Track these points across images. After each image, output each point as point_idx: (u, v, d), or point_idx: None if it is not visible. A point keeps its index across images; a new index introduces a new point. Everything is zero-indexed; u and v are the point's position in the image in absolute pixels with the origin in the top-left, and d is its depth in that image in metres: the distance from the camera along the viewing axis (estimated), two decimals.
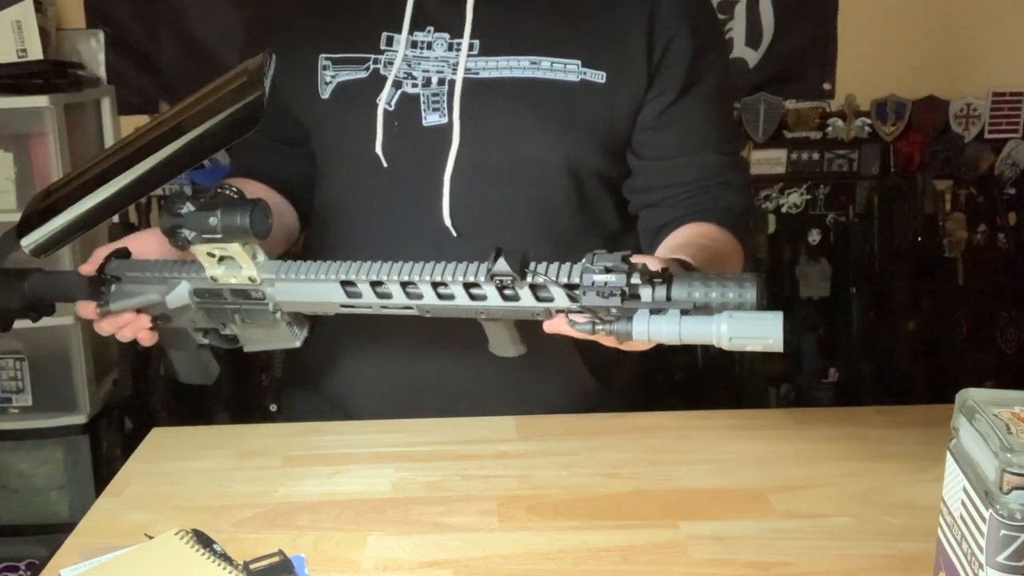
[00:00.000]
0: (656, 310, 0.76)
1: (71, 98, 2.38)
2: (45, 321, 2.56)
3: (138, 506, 0.93)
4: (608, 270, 0.76)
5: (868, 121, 2.73)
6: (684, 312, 0.75)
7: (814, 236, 2.73)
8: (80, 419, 2.41)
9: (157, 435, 1.11)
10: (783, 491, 0.94)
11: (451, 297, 0.83)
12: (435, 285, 0.83)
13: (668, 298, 0.76)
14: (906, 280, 2.68)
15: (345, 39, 1.10)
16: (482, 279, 0.81)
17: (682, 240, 1.05)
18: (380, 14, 1.10)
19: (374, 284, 0.85)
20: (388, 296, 0.85)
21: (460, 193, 1.07)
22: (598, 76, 1.06)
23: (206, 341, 1.00)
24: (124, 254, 0.98)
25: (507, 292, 0.81)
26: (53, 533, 2.16)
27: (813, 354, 2.70)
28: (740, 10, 2.65)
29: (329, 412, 1.18)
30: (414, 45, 1.08)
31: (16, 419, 2.39)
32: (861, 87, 2.71)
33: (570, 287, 0.79)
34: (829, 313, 2.73)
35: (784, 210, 2.76)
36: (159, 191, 2.55)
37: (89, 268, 0.97)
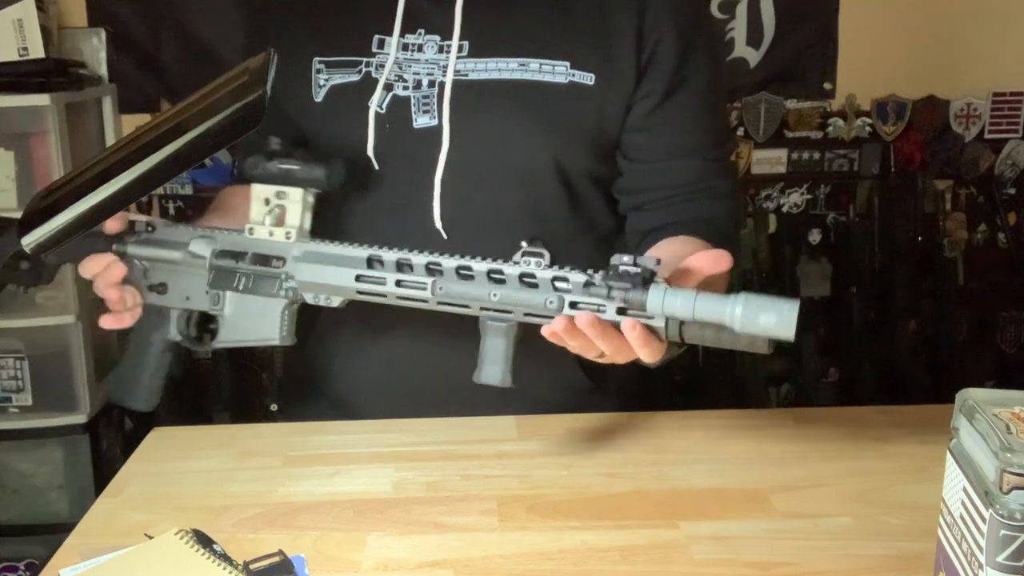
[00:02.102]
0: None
1: (72, 97, 2.39)
2: (45, 321, 2.54)
3: (138, 506, 0.93)
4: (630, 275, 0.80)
5: (868, 121, 2.73)
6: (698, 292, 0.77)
7: (814, 236, 2.74)
8: (80, 419, 2.41)
9: (157, 435, 1.11)
10: (783, 491, 0.94)
11: (471, 275, 0.85)
12: (459, 268, 0.86)
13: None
14: (906, 280, 2.68)
15: (338, 42, 1.11)
16: (505, 264, 0.84)
17: (665, 260, 1.05)
18: (372, 16, 1.10)
19: (400, 263, 0.88)
20: (409, 267, 0.87)
21: (450, 195, 1.07)
22: (587, 78, 1.06)
23: (179, 337, 1.00)
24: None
25: (527, 280, 0.84)
26: (53, 533, 2.15)
27: (813, 354, 2.70)
28: (741, 10, 2.65)
29: (330, 411, 1.18)
30: (405, 47, 1.09)
31: (16, 419, 2.39)
32: (861, 87, 2.71)
33: (589, 282, 0.82)
34: (829, 313, 2.73)
35: (785, 210, 2.76)
36: (159, 190, 2.56)
37: (115, 226, 0.98)
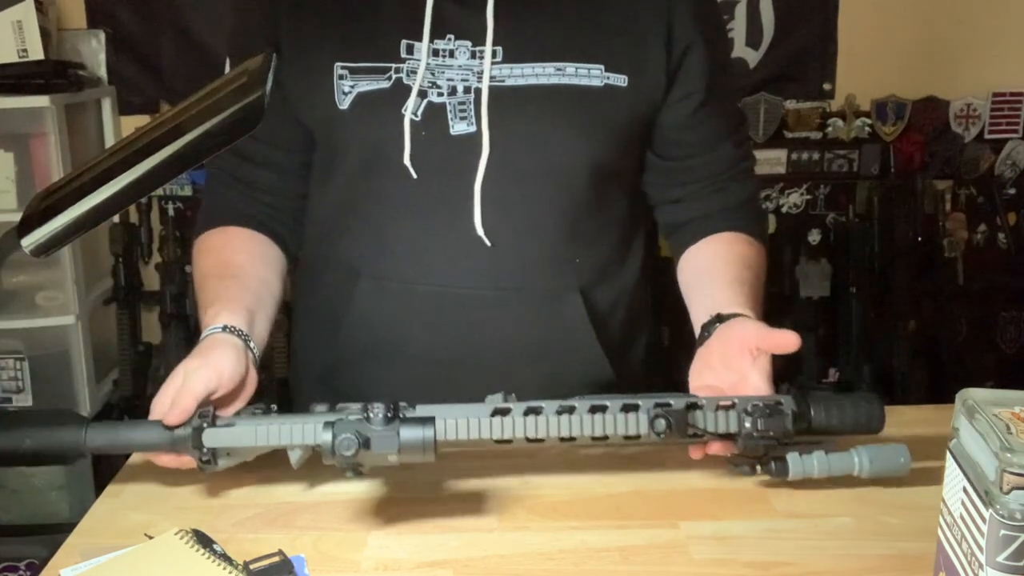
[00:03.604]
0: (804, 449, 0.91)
1: (72, 98, 2.39)
2: (45, 321, 2.53)
3: (138, 506, 0.93)
4: (764, 420, 0.88)
5: (868, 121, 2.73)
6: (827, 452, 0.91)
7: (814, 236, 2.74)
8: None
9: None
10: (783, 491, 0.94)
11: (606, 437, 0.89)
12: (595, 438, 0.89)
13: (810, 425, 0.90)
14: (906, 280, 2.68)
15: (363, 48, 1.08)
16: (643, 431, 0.88)
17: (721, 279, 1.10)
18: (398, 22, 1.08)
19: (530, 440, 0.89)
20: (542, 441, 0.89)
21: (491, 201, 1.07)
22: (620, 80, 1.07)
23: None
24: (206, 376, 0.91)
25: (659, 433, 0.88)
26: (53, 533, 2.16)
27: (813, 354, 2.69)
28: (740, 10, 2.66)
29: None
30: (436, 53, 1.07)
31: None
32: (861, 87, 2.71)
33: (727, 435, 0.89)
34: (829, 313, 2.73)
35: (784, 210, 2.76)
36: (159, 191, 2.56)
37: (176, 419, 0.88)
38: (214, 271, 1.11)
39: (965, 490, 0.67)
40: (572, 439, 0.88)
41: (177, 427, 0.88)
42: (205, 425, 0.87)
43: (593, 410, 0.87)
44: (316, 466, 1.01)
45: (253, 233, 1.17)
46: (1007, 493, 0.62)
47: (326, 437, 0.81)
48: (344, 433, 0.80)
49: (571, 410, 0.87)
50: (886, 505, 0.91)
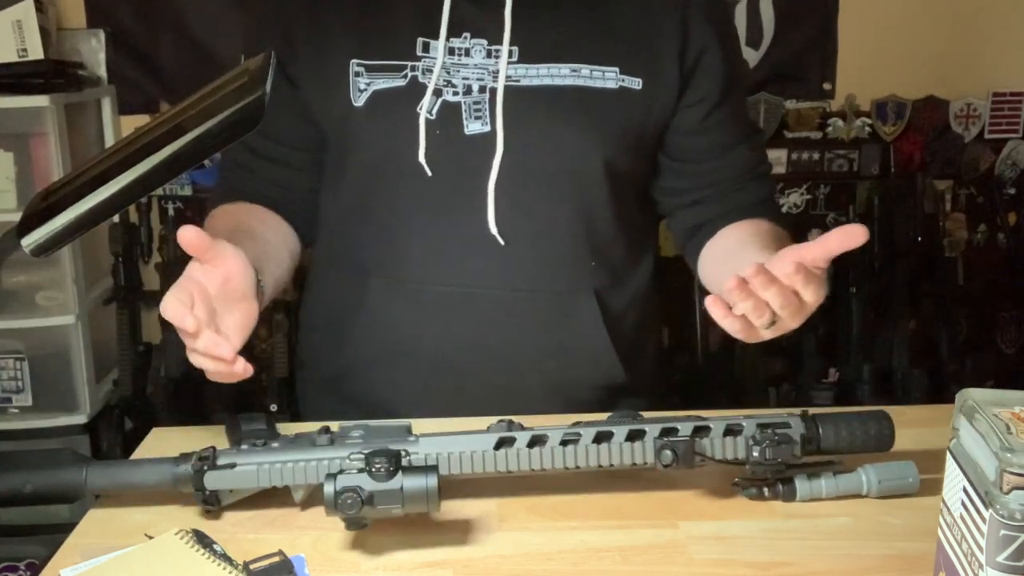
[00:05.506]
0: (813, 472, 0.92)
1: (71, 98, 2.39)
2: (45, 321, 2.53)
3: (138, 506, 0.93)
4: (772, 449, 0.88)
5: (868, 121, 2.73)
6: (835, 473, 0.91)
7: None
8: (80, 419, 2.41)
9: (157, 435, 1.11)
10: None
11: (612, 465, 0.88)
12: (600, 464, 0.88)
13: (819, 448, 0.89)
14: (906, 280, 2.68)
15: (379, 45, 1.09)
16: (649, 460, 0.87)
17: (760, 245, 1.09)
18: (415, 20, 1.08)
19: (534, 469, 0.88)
20: (546, 470, 0.88)
21: (505, 201, 1.07)
22: (635, 83, 1.08)
23: None
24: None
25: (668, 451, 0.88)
26: (53, 533, 2.15)
27: (813, 354, 2.69)
28: (740, 10, 2.66)
29: (355, 417, 1.17)
30: (451, 52, 1.07)
31: (16, 419, 2.39)
32: (861, 87, 2.71)
33: (736, 462, 0.89)
34: (829, 313, 2.73)
35: (784, 210, 2.75)
36: (159, 191, 2.56)
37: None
38: (224, 228, 1.10)
39: (965, 490, 0.67)
40: (577, 468, 0.87)
41: (181, 465, 0.89)
42: (206, 468, 0.88)
43: (598, 439, 0.87)
44: None
45: (266, 209, 1.17)
46: (1007, 493, 0.62)
47: (328, 491, 0.80)
48: (346, 492, 0.80)
49: (576, 439, 0.87)
50: (886, 505, 0.91)
